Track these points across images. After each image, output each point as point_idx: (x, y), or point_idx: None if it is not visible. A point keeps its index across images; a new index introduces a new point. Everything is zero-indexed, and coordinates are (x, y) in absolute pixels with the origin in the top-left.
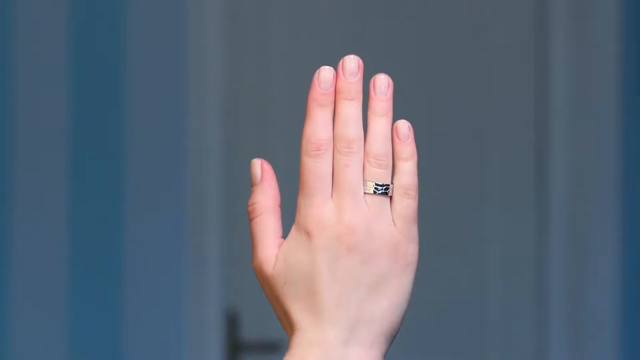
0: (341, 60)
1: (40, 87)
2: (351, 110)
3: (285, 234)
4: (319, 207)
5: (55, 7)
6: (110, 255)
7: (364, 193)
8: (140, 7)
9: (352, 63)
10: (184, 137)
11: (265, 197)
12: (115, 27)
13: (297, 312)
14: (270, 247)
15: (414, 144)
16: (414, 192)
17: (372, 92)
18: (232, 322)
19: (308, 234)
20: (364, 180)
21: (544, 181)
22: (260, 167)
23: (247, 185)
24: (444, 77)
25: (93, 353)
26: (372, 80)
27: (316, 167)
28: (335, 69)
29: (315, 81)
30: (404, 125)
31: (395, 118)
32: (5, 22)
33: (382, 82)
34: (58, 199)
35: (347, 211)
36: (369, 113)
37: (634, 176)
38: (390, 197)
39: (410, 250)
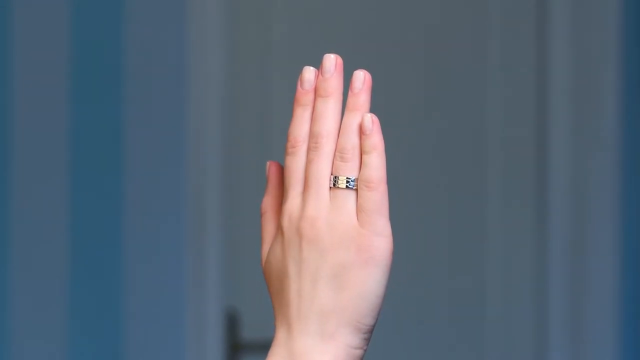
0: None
1: (40, 87)
2: (325, 106)
3: None
4: (290, 202)
5: (55, 6)
6: (110, 255)
7: (331, 187)
8: (140, 7)
9: (328, 61)
10: (184, 138)
11: (269, 197)
12: (115, 26)
13: (275, 307)
14: (267, 245)
15: (379, 136)
16: (375, 185)
17: (349, 89)
18: (232, 322)
19: (281, 229)
20: (332, 174)
21: (544, 181)
22: (267, 169)
23: (247, 185)
24: (445, 77)
25: (93, 353)
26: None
27: (291, 164)
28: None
29: (298, 81)
30: (366, 119)
31: (396, 117)
32: (5, 22)
33: (358, 78)
34: (58, 199)
35: (308, 205)
36: (345, 109)
37: (635, 176)
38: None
39: (375, 244)
